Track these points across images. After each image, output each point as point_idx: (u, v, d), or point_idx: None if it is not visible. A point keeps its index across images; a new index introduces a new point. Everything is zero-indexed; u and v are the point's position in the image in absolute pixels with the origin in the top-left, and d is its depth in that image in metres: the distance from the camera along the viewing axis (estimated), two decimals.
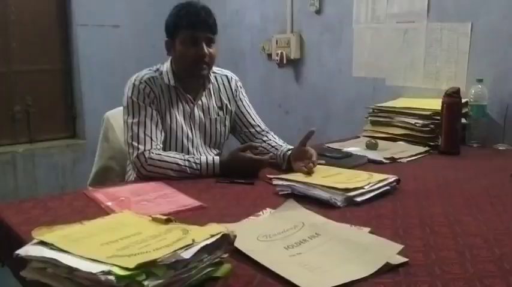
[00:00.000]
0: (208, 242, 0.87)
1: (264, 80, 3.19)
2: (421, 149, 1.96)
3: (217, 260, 0.90)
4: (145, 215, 1.10)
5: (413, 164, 1.83)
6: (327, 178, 1.50)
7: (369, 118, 2.28)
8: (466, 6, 2.19)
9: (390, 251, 0.96)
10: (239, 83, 1.93)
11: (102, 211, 1.30)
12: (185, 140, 1.77)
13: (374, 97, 2.59)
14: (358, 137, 2.25)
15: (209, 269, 0.89)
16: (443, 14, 2.27)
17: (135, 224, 1.03)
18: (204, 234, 0.89)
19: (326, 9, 2.81)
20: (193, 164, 1.62)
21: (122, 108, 2.04)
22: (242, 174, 1.60)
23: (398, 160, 1.84)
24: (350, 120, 2.73)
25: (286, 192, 1.41)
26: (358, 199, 1.33)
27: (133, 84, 1.71)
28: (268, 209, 1.28)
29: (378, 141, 2.01)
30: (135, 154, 1.63)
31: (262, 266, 0.95)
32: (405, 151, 1.95)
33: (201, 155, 1.79)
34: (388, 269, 0.93)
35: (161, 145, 1.70)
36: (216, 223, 1.17)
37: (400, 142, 2.09)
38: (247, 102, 1.93)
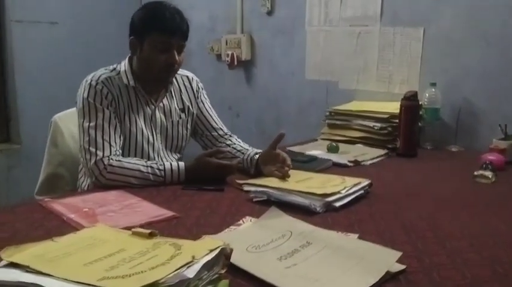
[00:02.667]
0: (209, 258, 0.80)
1: (214, 81, 3.11)
2: (381, 151, 1.99)
3: (216, 277, 0.84)
4: (123, 229, 1.01)
5: (376, 166, 1.84)
6: (300, 183, 1.47)
7: (326, 121, 2.28)
8: (418, 12, 2.25)
9: (389, 259, 0.93)
10: (200, 84, 1.85)
11: (66, 225, 1.18)
12: (145, 145, 1.67)
13: (327, 100, 2.60)
14: (316, 140, 2.25)
15: None
16: (396, 19, 2.32)
17: (115, 239, 0.94)
18: (202, 249, 0.82)
19: (278, 11, 2.79)
20: (157, 171, 1.53)
21: (70, 111, 1.92)
22: (209, 180, 1.53)
23: (362, 163, 1.84)
24: (303, 123, 2.73)
25: (261, 198, 1.36)
26: (337, 204, 1.31)
27: (90, 84, 1.59)
28: (248, 218, 1.22)
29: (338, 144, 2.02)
30: (92, 161, 1.51)
31: (259, 280, 0.89)
32: (366, 153, 1.96)
33: (162, 160, 1.70)
34: (388, 277, 0.90)
35: (120, 151, 1.59)
36: (195, 234, 1.12)
37: (359, 145, 2.11)
38: (209, 104, 1.86)
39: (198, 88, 1.83)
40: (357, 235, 1.11)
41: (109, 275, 0.77)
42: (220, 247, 0.84)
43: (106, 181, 1.50)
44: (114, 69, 1.67)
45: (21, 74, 3.18)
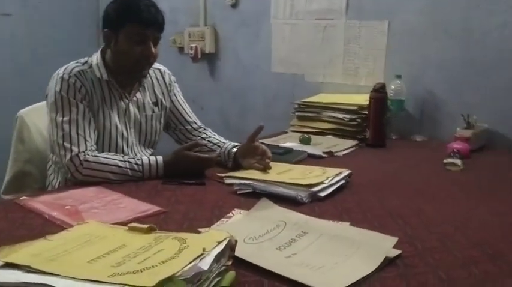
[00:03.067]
0: (219, 250, 0.80)
1: (177, 74, 2.99)
2: (352, 142, 2.03)
3: (223, 269, 0.83)
4: (117, 225, 0.99)
5: (349, 157, 1.88)
6: (282, 174, 1.48)
7: (296, 113, 2.30)
8: (383, 5, 2.30)
9: (387, 244, 0.96)
10: (173, 78, 1.83)
11: (49, 223, 1.14)
12: (119, 140, 1.63)
13: (293, 93, 2.62)
14: (286, 132, 2.27)
15: (217, 279, 0.81)
16: (361, 12, 2.37)
17: (112, 236, 0.92)
18: (210, 242, 0.81)
19: (242, 3, 2.78)
20: (135, 166, 1.50)
21: (36, 105, 1.86)
22: (188, 174, 1.51)
23: (335, 154, 1.88)
24: (269, 116, 2.74)
25: (246, 191, 1.36)
26: (322, 194, 1.33)
27: (62, 78, 1.53)
28: (237, 210, 1.22)
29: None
30: (68, 157, 1.46)
31: (262, 271, 0.89)
32: (337, 144, 1.99)
33: (136, 155, 1.66)
34: (387, 262, 0.93)
35: (95, 146, 1.54)
36: (186, 228, 1.11)
37: (329, 136, 2.14)
38: (182, 97, 1.84)
39: (171, 81, 1.81)
40: (348, 223, 1.13)
41: (118, 271, 0.74)
42: (228, 239, 0.84)
43: (83, 177, 1.45)
44: (86, 62, 1.62)
45: None
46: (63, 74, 1.54)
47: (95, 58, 1.62)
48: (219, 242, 0.82)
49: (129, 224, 0.95)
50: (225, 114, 2.96)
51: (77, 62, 1.61)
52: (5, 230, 1.10)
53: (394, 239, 0.98)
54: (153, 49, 1.57)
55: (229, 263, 0.85)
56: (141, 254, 0.81)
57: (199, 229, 1.05)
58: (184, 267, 0.73)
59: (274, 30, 2.68)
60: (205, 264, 0.75)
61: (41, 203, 1.26)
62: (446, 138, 2.05)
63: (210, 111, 3.01)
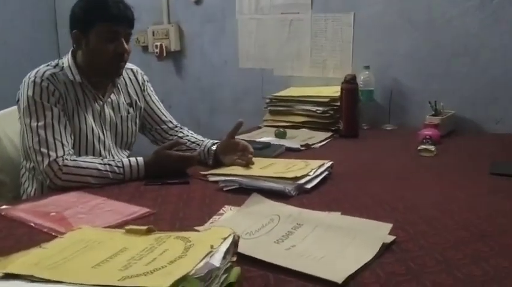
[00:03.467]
0: (226, 246, 0.79)
1: None
2: (326, 134, 2.06)
3: (229, 265, 0.83)
4: (113, 229, 0.97)
5: (325, 148, 1.91)
6: (265, 169, 1.49)
7: (268, 108, 2.32)
8: None
9: (383, 231, 0.99)
10: (145, 77, 1.80)
11: (36, 231, 1.11)
12: (96, 142, 1.60)
13: (263, 88, 2.64)
14: (260, 127, 2.27)
15: (224, 276, 0.81)
16: (327, 6, 2.40)
17: (109, 239, 0.90)
18: (216, 238, 0.81)
19: (206, 0, 2.76)
20: (116, 168, 1.47)
21: (4, 112, 1.79)
22: (170, 173, 1.50)
23: (312, 146, 1.90)
24: (238, 111, 2.74)
25: (232, 187, 1.36)
26: (308, 186, 1.34)
27: (34, 82, 1.48)
28: (227, 207, 1.22)
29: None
30: (46, 162, 1.42)
31: (265, 264, 0.90)
32: (312, 137, 2.02)
33: (113, 157, 1.63)
34: (384, 248, 0.95)
35: (72, 150, 1.51)
36: (179, 227, 1.10)
37: (303, 129, 2.16)
38: (156, 97, 1.81)
39: (144, 81, 1.78)
40: (339, 213, 1.15)
41: (127, 274, 0.73)
42: (232, 235, 0.84)
43: (62, 182, 1.42)
44: (57, 65, 1.57)
45: None
46: (35, 77, 1.49)
47: (66, 60, 1.58)
48: (224, 239, 0.82)
49: (125, 227, 0.94)
50: (194, 112, 2.93)
51: (48, 65, 1.57)
52: None
53: (388, 226, 1.01)
54: (126, 46, 1.54)
55: (234, 259, 0.85)
56: (145, 255, 0.80)
57: (196, 228, 1.04)
58: (196, 265, 0.72)
59: (240, 26, 2.68)
60: (216, 261, 0.75)
61: (23, 212, 1.22)
62: (415, 126, 2.11)
63: (179, 110, 2.96)
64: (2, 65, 3.19)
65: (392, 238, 0.99)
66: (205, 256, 0.75)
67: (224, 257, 0.81)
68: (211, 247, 0.78)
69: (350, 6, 2.34)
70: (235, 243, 0.86)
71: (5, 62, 3.20)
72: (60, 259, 0.81)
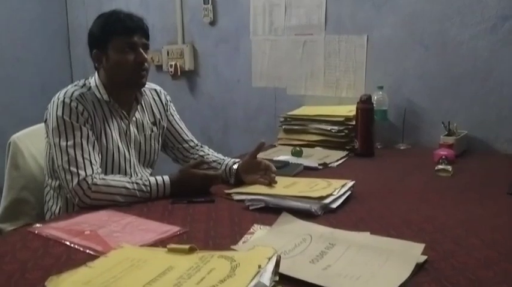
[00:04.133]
0: (272, 265, 0.83)
1: None
2: (342, 153, 2.09)
3: (273, 285, 0.86)
4: (154, 247, 1.00)
5: (343, 167, 1.94)
6: (289, 188, 1.52)
7: (283, 127, 2.35)
8: (360, 20, 2.40)
9: (415, 251, 1.02)
10: (168, 97, 1.84)
11: (73, 249, 1.13)
12: (122, 161, 1.63)
13: (276, 106, 2.68)
14: (275, 145, 2.31)
15: None
16: (340, 27, 2.46)
17: (154, 258, 0.93)
18: (261, 258, 0.84)
19: (221, 21, 2.83)
20: (143, 187, 1.50)
21: (28, 130, 1.83)
22: (194, 191, 1.53)
23: (330, 165, 1.93)
24: (251, 130, 2.78)
25: (258, 206, 1.39)
26: (334, 205, 1.37)
27: (64, 102, 1.52)
28: (257, 226, 1.25)
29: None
30: (75, 181, 1.45)
31: (304, 284, 0.92)
32: (328, 155, 2.05)
33: (137, 175, 1.67)
34: (417, 268, 0.98)
35: (101, 169, 1.54)
36: (213, 246, 1.13)
37: (318, 148, 2.20)
38: (178, 116, 1.86)
39: (167, 101, 1.82)
40: (368, 233, 1.18)
41: None
42: (276, 254, 0.87)
43: (91, 201, 1.44)
44: (84, 85, 1.61)
45: None
46: (64, 98, 1.53)
47: (93, 80, 1.62)
48: (269, 258, 0.85)
49: (168, 246, 0.96)
50: (207, 131, 2.97)
51: (75, 85, 1.61)
52: (31, 260, 1.08)
53: (421, 246, 1.04)
54: (145, 55, 1.59)
55: (277, 278, 0.88)
56: (193, 275, 0.83)
57: (232, 247, 1.07)
58: (248, 284, 0.75)
59: (254, 46, 2.73)
60: (266, 280, 0.78)
61: (57, 230, 1.25)
62: (428, 145, 2.15)
63: (192, 128, 2.95)
64: (15, 82, 3.24)
65: (424, 257, 1.01)
66: (255, 275, 0.78)
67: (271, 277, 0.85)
68: (259, 266, 0.81)
69: (363, 28, 2.39)
70: (277, 263, 0.89)
71: (18, 80, 3.25)
72: (110, 278, 0.84)
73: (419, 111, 2.31)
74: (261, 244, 1.12)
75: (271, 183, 1.55)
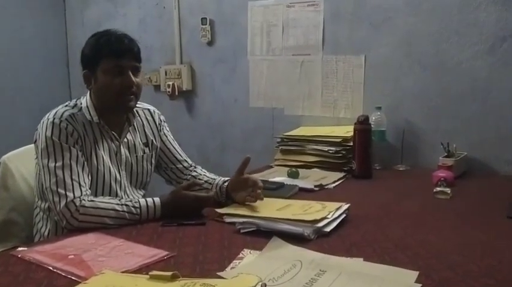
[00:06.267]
0: None
1: None
2: (339, 174, 2.06)
3: None
4: (136, 274, 0.96)
5: (340, 189, 1.91)
6: (282, 210, 1.48)
7: (280, 147, 2.32)
8: (358, 40, 2.38)
9: (409, 279, 0.98)
10: (162, 117, 1.82)
11: (55, 275, 1.10)
12: (113, 183, 1.60)
13: (273, 127, 2.65)
14: (271, 166, 2.28)
15: None
16: (337, 48, 2.44)
17: (135, 285, 0.89)
18: None
19: (218, 41, 2.82)
20: (133, 209, 1.47)
21: (19, 151, 1.81)
22: (185, 214, 1.49)
23: (326, 187, 1.90)
24: (248, 150, 2.73)
25: (250, 229, 1.35)
26: (327, 229, 1.33)
27: (53, 123, 1.50)
28: (246, 250, 1.21)
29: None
30: (63, 203, 1.42)
31: None
32: (325, 177, 2.02)
33: (128, 197, 1.63)
34: None
35: (90, 191, 1.51)
36: (199, 272, 1.09)
37: (315, 169, 2.16)
38: (171, 136, 1.83)
39: (160, 121, 1.80)
40: (361, 259, 1.14)
41: None
42: (260, 283, 0.83)
43: (79, 223, 1.41)
44: (75, 105, 1.59)
45: None
46: (54, 118, 1.51)
47: (84, 101, 1.60)
48: None
49: (150, 273, 0.93)
50: (204, 150, 2.94)
51: (66, 106, 1.59)
52: (11, 285, 1.05)
53: (414, 274, 1.00)
54: (133, 78, 1.56)
55: None
56: None
57: (219, 274, 1.03)
58: None
59: (252, 66, 2.72)
60: None
61: (40, 254, 1.21)
62: (427, 167, 2.11)
63: (189, 148, 2.95)
64: (13, 102, 3.23)
65: (418, 286, 0.97)
66: None
67: None
68: None
69: (360, 48, 2.38)
70: None
71: (16, 100, 3.24)
72: None
73: (418, 131, 2.27)
74: (250, 270, 1.08)
75: (257, 200, 1.52)
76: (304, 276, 1.02)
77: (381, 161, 2.25)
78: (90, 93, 1.61)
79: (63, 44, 3.51)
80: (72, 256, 1.19)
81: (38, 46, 3.37)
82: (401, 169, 2.24)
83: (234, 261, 1.15)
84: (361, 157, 2.06)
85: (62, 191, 1.43)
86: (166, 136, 1.80)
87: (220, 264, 1.14)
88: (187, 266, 1.14)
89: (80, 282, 1.00)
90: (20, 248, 1.26)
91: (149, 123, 1.75)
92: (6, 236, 1.68)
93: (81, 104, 1.60)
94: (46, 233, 1.60)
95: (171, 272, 0.91)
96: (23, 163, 1.76)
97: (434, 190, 1.73)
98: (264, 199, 1.56)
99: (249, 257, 1.17)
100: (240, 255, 1.19)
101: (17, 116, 3.19)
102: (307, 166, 2.20)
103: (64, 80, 3.52)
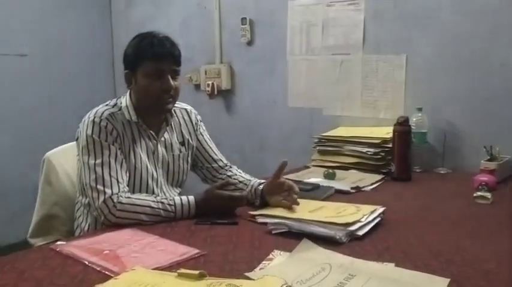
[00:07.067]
0: None
1: None
2: (378, 176, 2.03)
3: None
4: (165, 271, 0.98)
5: (377, 191, 1.87)
6: (315, 212, 1.47)
7: (317, 148, 2.31)
8: (399, 40, 2.34)
9: (439, 286, 0.95)
10: (199, 117, 1.84)
11: (90, 269, 1.13)
12: (150, 180, 1.63)
13: (312, 127, 2.64)
14: (308, 167, 2.27)
15: None
16: (378, 47, 2.40)
17: (162, 283, 0.91)
18: None
19: (258, 41, 2.83)
20: (168, 206, 1.49)
21: (62, 147, 1.87)
22: (219, 213, 1.51)
23: (363, 189, 1.87)
24: (286, 150, 2.75)
25: (281, 230, 1.35)
26: (360, 233, 1.32)
27: (93, 121, 1.55)
28: (277, 251, 1.21)
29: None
30: (101, 199, 1.46)
31: None
32: (363, 179, 1.99)
33: (165, 194, 1.66)
34: None
35: (127, 187, 1.55)
36: (229, 271, 1.10)
37: (352, 170, 2.14)
38: (208, 136, 1.85)
39: (197, 121, 1.82)
40: (393, 264, 1.11)
41: None
42: (285, 286, 0.83)
43: (116, 219, 1.45)
44: (115, 104, 1.64)
45: None
46: (94, 117, 1.56)
47: (124, 100, 1.64)
48: None
49: (178, 271, 0.94)
50: (242, 150, 2.96)
51: (107, 105, 1.63)
52: (47, 279, 1.08)
53: (445, 281, 0.97)
54: (171, 82, 1.59)
55: None
56: None
57: (247, 274, 1.04)
58: None
59: (291, 66, 2.71)
60: None
61: (77, 249, 1.25)
62: (469, 170, 2.05)
63: (227, 147, 2.99)
64: (59, 100, 3.35)
65: None
66: None
67: None
68: None
69: (402, 48, 2.33)
70: None
71: (62, 98, 3.36)
72: None
73: (460, 134, 2.21)
74: (278, 271, 1.08)
75: (292, 205, 1.51)
76: (332, 280, 1.01)
77: (422, 163, 2.20)
78: (130, 93, 1.65)
79: (109, 44, 3.61)
80: (107, 251, 1.23)
81: (85, 46, 3.48)
82: (442, 172, 2.18)
83: (264, 262, 1.16)
84: (400, 158, 2.02)
85: (100, 187, 1.48)
86: (203, 135, 1.82)
87: (250, 264, 1.14)
88: (217, 265, 1.15)
89: (111, 277, 1.03)
90: (58, 242, 1.31)
91: (186, 123, 1.78)
92: (48, 229, 1.74)
93: (121, 103, 1.64)
94: (86, 227, 1.65)
95: (198, 271, 0.92)
96: (67, 159, 1.82)
97: (475, 195, 1.68)
98: (298, 200, 1.55)
99: (279, 258, 1.17)
100: (270, 256, 1.19)
101: (62, 113, 3.31)
102: (345, 167, 2.17)
103: (109, 79, 3.62)
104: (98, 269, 1.13)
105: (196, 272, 0.92)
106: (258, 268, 1.12)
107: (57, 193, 1.78)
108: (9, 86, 3.12)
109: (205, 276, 0.92)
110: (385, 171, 2.08)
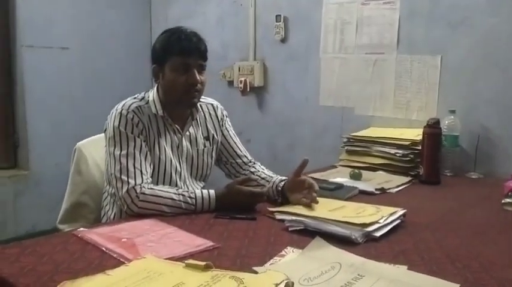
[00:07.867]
0: None
1: (226, 107, 3.05)
2: (405, 178, 1.99)
3: None
4: (174, 261, 1.00)
5: (402, 194, 1.84)
6: (334, 211, 1.46)
7: (345, 147, 2.29)
8: (434, 41, 2.28)
9: None
10: (225, 112, 1.86)
11: (107, 256, 1.16)
12: (173, 173, 1.67)
13: (342, 126, 2.62)
14: (335, 166, 2.25)
15: None
16: (413, 47, 2.36)
17: (169, 272, 0.93)
18: (268, 283, 0.81)
19: (291, 38, 2.83)
20: (188, 199, 1.52)
21: (93, 138, 1.92)
22: (239, 208, 1.52)
23: (388, 191, 1.84)
24: (317, 149, 2.73)
25: (297, 228, 1.35)
26: (377, 234, 1.30)
27: (121, 113, 1.59)
28: (290, 248, 1.21)
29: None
30: (125, 189, 1.50)
31: None
32: (390, 180, 1.96)
33: (188, 188, 1.69)
34: None
35: (151, 179, 1.58)
36: (239, 265, 1.11)
37: (380, 172, 2.11)
38: (233, 131, 1.87)
39: (223, 116, 1.84)
40: (405, 267, 1.10)
41: None
42: (286, 281, 0.83)
43: (138, 209, 1.49)
44: (143, 98, 1.68)
45: (31, 100, 3.19)
46: (122, 109, 1.60)
47: (151, 94, 1.68)
48: (277, 285, 0.82)
49: (186, 261, 0.96)
50: (272, 147, 2.97)
51: (135, 98, 1.67)
52: (65, 262, 1.13)
53: (455, 286, 0.95)
54: (197, 76, 1.61)
55: None
56: None
57: (255, 268, 1.05)
58: None
59: (323, 64, 2.69)
60: None
61: (98, 236, 1.29)
62: (502, 176, 1.98)
63: (258, 144, 3.03)
64: (97, 93, 3.45)
65: None
66: None
67: None
68: None
69: (437, 48, 2.28)
70: None
71: (100, 91, 3.46)
72: None
73: (494, 138, 2.14)
74: (287, 267, 1.09)
75: (312, 203, 1.51)
76: (340, 279, 1.01)
77: (453, 167, 2.14)
78: (157, 87, 1.69)
79: (147, 40, 3.69)
80: (125, 240, 1.26)
81: (125, 41, 3.57)
82: (473, 176, 2.12)
83: (275, 258, 1.16)
84: (428, 161, 1.97)
85: (124, 177, 1.52)
86: (228, 131, 1.84)
87: (261, 259, 1.15)
88: (229, 259, 1.16)
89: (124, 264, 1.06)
90: (80, 229, 1.35)
91: (211, 118, 1.80)
92: (76, 217, 1.81)
93: (148, 97, 1.68)
94: (112, 216, 1.70)
95: (205, 262, 0.93)
96: (96, 149, 1.88)
97: (503, 201, 1.63)
98: (320, 199, 1.55)
99: (290, 255, 1.17)
100: (282, 252, 1.19)
101: (99, 106, 3.40)
102: (372, 168, 2.15)
103: (147, 75, 3.69)
104: (115, 256, 1.16)
105: (203, 263, 0.93)
106: (269, 263, 1.12)
107: (86, 181, 1.84)
108: (50, 76, 3.24)
109: (211, 267, 0.93)
110: (413, 174, 2.04)
